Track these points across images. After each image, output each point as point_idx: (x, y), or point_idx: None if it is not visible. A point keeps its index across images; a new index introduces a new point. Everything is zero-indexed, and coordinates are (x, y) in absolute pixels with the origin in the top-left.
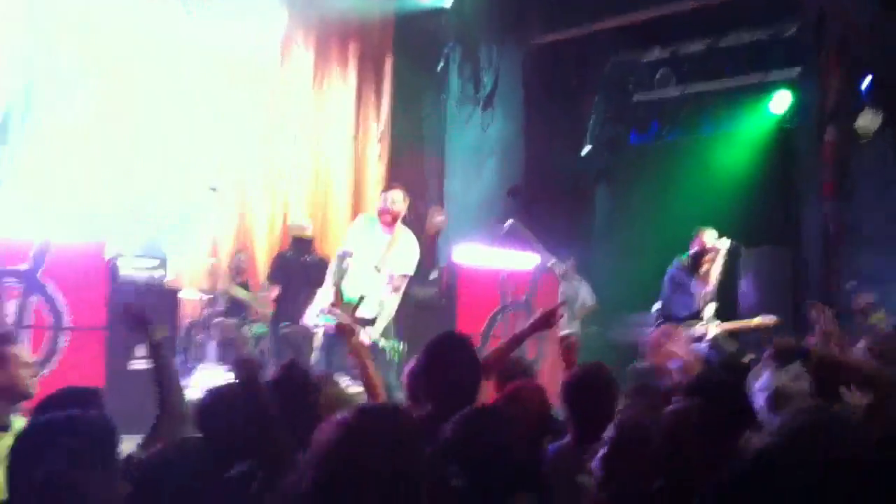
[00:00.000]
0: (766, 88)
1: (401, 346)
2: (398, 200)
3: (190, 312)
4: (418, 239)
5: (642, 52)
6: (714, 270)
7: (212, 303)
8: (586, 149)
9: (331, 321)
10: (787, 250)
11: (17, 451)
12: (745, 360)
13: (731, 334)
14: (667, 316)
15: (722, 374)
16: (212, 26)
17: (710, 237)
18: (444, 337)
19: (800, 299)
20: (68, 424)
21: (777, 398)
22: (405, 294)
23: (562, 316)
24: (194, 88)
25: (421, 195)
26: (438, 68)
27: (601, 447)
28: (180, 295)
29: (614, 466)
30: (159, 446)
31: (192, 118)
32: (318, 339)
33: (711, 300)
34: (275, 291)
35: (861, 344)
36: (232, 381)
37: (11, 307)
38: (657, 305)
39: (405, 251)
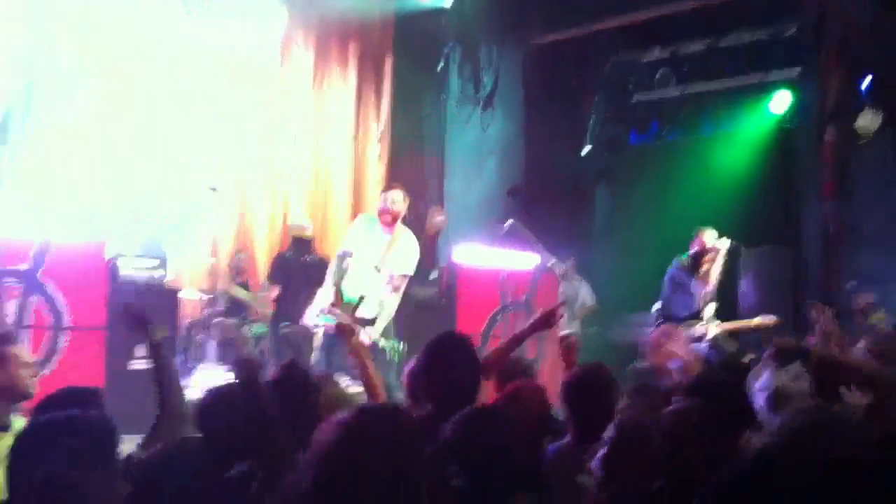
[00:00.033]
0: (766, 88)
1: (400, 346)
2: (398, 200)
3: (190, 312)
4: (418, 239)
5: (642, 52)
6: (714, 270)
7: (212, 303)
8: (586, 149)
9: (331, 321)
10: (787, 250)
11: (17, 451)
12: (745, 360)
13: (731, 334)
14: (667, 316)
15: (722, 374)
16: (212, 26)
17: (709, 237)
18: (444, 337)
19: (800, 299)
20: (68, 424)
21: (777, 398)
22: (405, 294)
23: (561, 316)
24: (194, 88)
25: (421, 195)
26: (438, 68)
27: (601, 447)
28: (180, 295)
29: (614, 466)
30: (159, 446)
31: (192, 118)
32: (318, 339)
33: (711, 300)
34: (275, 291)
35: (861, 344)
36: (232, 381)
37: (11, 307)
38: (657, 305)
39: (405, 251)
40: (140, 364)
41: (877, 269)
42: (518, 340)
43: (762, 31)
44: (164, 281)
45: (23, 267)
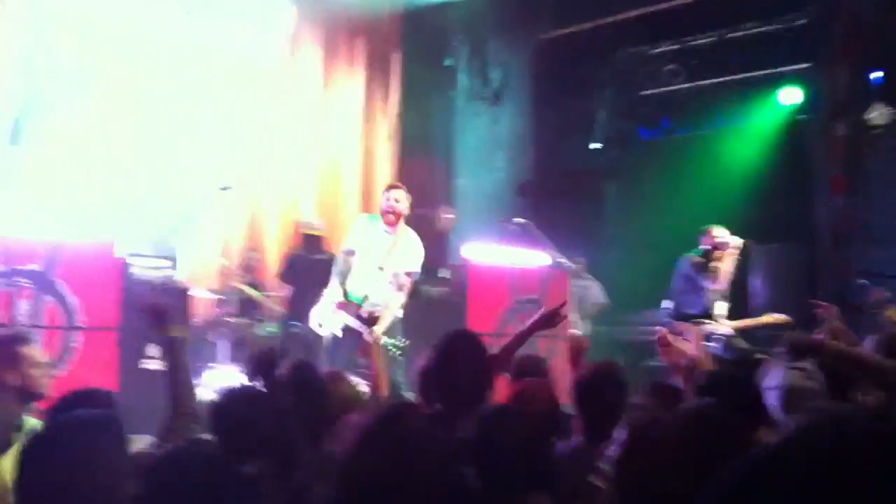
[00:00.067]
0: (775, 82)
1: (402, 343)
2: (402, 199)
3: (201, 312)
4: (427, 237)
5: (650, 46)
6: (726, 268)
7: (223, 302)
8: (595, 144)
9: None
10: (798, 247)
11: (27, 452)
12: (758, 357)
13: (742, 332)
14: (677, 314)
15: (734, 372)
16: (221, 26)
17: (720, 234)
18: (454, 335)
19: (812, 296)
20: (79, 425)
21: (788, 396)
22: (415, 292)
23: (565, 316)
24: (204, 88)
25: (430, 192)
26: (446, 64)
27: (613, 447)
28: (191, 294)
29: (626, 467)
30: (170, 445)
31: (201, 118)
32: (326, 340)
33: (723, 298)
34: (286, 290)
35: (868, 341)
36: (246, 379)
37: (24, 307)
38: (668, 303)
39: (409, 250)
40: (152, 364)
41: (887, 264)
42: (522, 338)
43: (771, 23)
44: (176, 280)
45: (36, 267)
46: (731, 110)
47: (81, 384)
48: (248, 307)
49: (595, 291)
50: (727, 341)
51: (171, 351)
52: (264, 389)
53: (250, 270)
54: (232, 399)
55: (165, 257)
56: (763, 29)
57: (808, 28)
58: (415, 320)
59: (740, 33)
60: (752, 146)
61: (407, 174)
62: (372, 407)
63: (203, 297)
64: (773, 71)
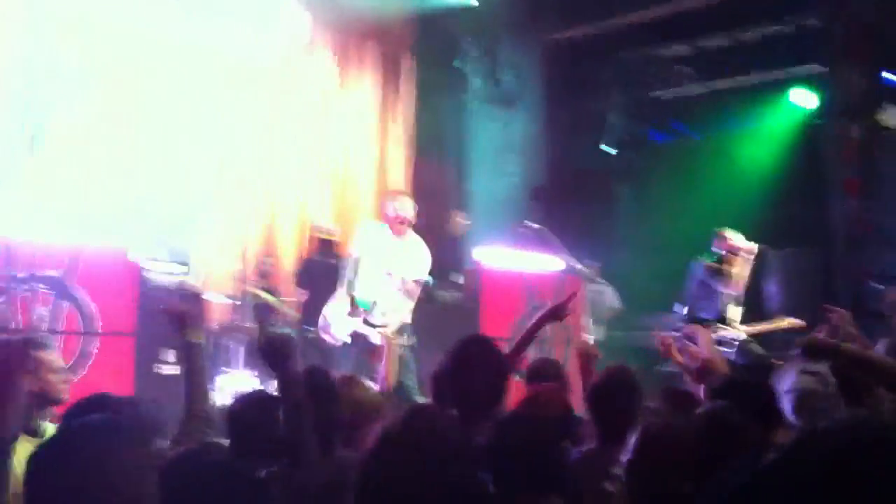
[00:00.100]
0: (788, 84)
1: (410, 341)
2: (409, 207)
3: (217, 318)
4: (440, 241)
5: (663, 48)
6: (740, 273)
7: (238, 307)
8: (607, 147)
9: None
10: (813, 250)
11: (37, 456)
12: (771, 362)
13: (756, 336)
14: (691, 318)
15: (749, 376)
16: (235, 31)
17: (734, 238)
18: (468, 340)
19: (826, 300)
20: (91, 430)
21: (801, 400)
22: (428, 297)
23: (572, 310)
24: (218, 93)
25: (442, 196)
26: (458, 67)
27: (626, 452)
28: (207, 299)
29: (640, 472)
30: (184, 448)
31: (204, 119)
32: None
33: (737, 302)
34: (303, 296)
35: (880, 345)
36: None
37: (43, 313)
38: (682, 307)
39: (417, 257)
40: (168, 369)
41: None
42: (532, 333)
43: (784, 26)
44: (192, 286)
45: (54, 273)
46: (743, 113)
47: (98, 389)
48: (263, 312)
49: (609, 296)
50: (741, 346)
51: (190, 355)
52: (277, 384)
53: (265, 275)
54: (245, 404)
55: (181, 262)
56: (775, 31)
57: (820, 30)
58: (428, 325)
59: (753, 35)
60: (764, 149)
61: (420, 178)
62: (390, 410)
63: (218, 301)
64: (786, 73)
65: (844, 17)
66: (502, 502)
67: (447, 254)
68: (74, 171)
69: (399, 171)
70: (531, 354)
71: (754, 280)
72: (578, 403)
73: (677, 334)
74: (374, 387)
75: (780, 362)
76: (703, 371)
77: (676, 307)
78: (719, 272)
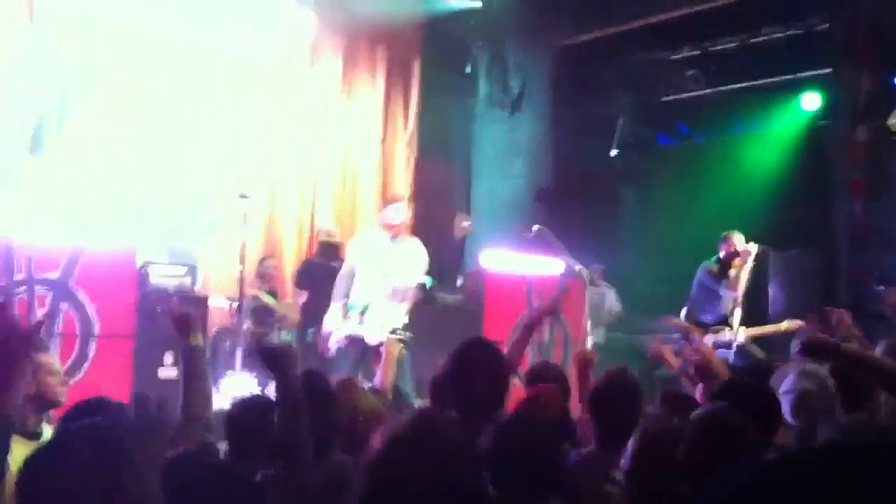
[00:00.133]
0: (796, 87)
1: (406, 336)
2: (402, 211)
3: (218, 320)
4: (444, 243)
5: (670, 52)
6: (743, 275)
7: (240, 310)
8: (615, 150)
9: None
10: (817, 252)
11: (31, 459)
12: (772, 365)
13: (758, 340)
14: (694, 321)
15: (749, 378)
16: (241, 32)
17: (738, 241)
18: (470, 343)
19: (830, 302)
20: (86, 434)
21: (799, 401)
22: (430, 299)
23: (563, 302)
24: (223, 95)
25: (448, 199)
26: (466, 70)
27: (626, 456)
28: (208, 302)
29: (639, 475)
30: (182, 449)
31: (218, 124)
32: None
33: (740, 306)
34: (302, 297)
35: (879, 347)
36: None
37: (42, 315)
38: (684, 311)
39: (413, 260)
40: (168, 372)
41: None
42: (529, 329)
43: (792, 28)
44: (192, 288)
45: (54, 275)
46: (750, 116)
47: (96, 391)
48: (264, 315)
49: (611, 299)
50: (741, 348)
51: (191, 358)
52: (275, 387)
53: (266, 278)
54: (244, 407)
55: (182, 265)
56: (783, 34)
57: (828, 33)
58: (430, 327)
59: (760, 39)
60: (772, 152)
61: (426, 181)
62: (388, 414)
63: (219, 304)
64: (794, 76)
65: (853, 20)
66: None
67: (451, 256)
68: (74, 171)
69: (405, 173)
70: (531, 357)
71: (758, 283)
72: (575, 408)
73: (674, 338)
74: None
75: (780, 364)
76: (701, 369)
77: (683, 311)
78: (722, 275)
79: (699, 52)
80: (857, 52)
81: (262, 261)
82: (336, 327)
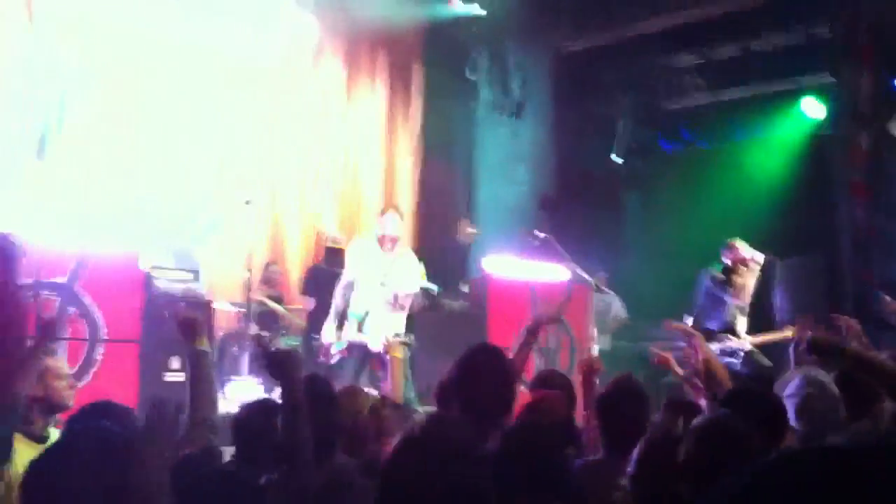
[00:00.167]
0: (797, 93)
1: (408, 339)
2: (396, 222)
3: (224, 325)
4: (448, 249)
5: (673, 58)
6: (749, 283)
7: (245, 315)
8: (616, 156)
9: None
10: (821, 258)
11: (36, 462)
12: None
13: (762, 347)
14: (700, 329)
15: (753, 385)
16: (241, 32)
17: (743, 249)
18: (477, 349)
19: (834, 306)
20: (88, 439)
21: (803, 405)
22: (435, 305)
23: (565, 309)
24: (224, 95)
25: (451, 204)
26: (468, 75)
27: (632, 463)
28: (214, 307)
29: (644, 481)
30: (187, 451)
31: (222, 129)
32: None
33: (744, 313)
34: (309, 303)
35: (884, 354)
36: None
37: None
38: (689, 318)
39: (407, 269)
40: (175, 376)
41: None
42: (532, 334)
43: (794, 35)
44: (199, 293)
45: (60, 279)
46: (753, 122)
47: (103, 395)
48: (269, 320)
49: (616, 306)
50: (746, 356)
51: (197, 363)
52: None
53: (272, 283)
54: (250, 412)
55: (188, 269)
56: (784, 41)
57: (830, 39)
58: (435, 333)
59: (762, 45)
60: (774, 158)
61: (428, 186)
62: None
63: (225, 309)
64: (796, 82)
65: (855, 26)
66: None
67: (455, 262)
68: (74, 171)
69: (408, 179)
70: (536, 364)
71: (763, 290)
72: (580, 415)
73: (678, 345)
74: (376, 395)
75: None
76: (703, 373)
77: (686, 319)
78: (726, 282)
79: (702, 58)
80: (857, 53)
81: (267, 266)
82: (333, 339)
